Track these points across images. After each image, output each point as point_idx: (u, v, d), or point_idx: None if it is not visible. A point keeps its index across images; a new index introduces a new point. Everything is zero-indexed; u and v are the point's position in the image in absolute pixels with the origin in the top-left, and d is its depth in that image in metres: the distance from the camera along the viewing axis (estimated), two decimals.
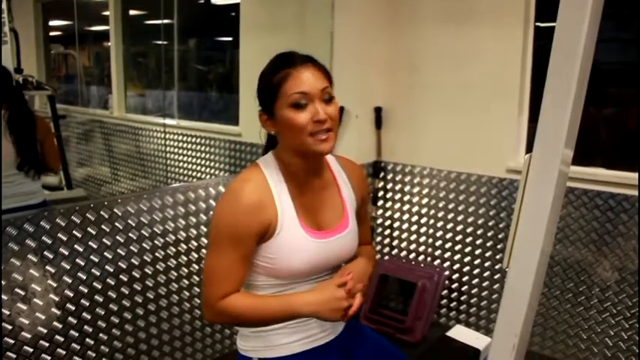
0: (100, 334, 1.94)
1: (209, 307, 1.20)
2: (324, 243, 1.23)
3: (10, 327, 1.69)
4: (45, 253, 1.75)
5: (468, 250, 2.65)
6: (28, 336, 1.73)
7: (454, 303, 2.73)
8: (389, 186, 2.89)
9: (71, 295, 1.84)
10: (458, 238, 2.68)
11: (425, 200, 2.77)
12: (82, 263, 1.85)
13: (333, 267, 1.31)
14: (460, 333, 2.39)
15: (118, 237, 1.95)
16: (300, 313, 1.17)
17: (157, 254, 2.09)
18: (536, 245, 0.90)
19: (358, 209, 1.37)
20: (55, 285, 1.79)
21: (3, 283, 1.66)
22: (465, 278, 2.68)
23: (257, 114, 1.25)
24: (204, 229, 2.23)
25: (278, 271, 1.20)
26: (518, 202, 0.92)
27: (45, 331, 1.78)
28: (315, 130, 1.15)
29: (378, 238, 2.97)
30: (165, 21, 3.67)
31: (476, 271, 2.64)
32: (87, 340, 1.89)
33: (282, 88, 1.16)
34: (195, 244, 2.21)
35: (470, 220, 2.62)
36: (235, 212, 1.15)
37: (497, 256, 2.57)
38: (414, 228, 2.83)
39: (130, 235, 1.99)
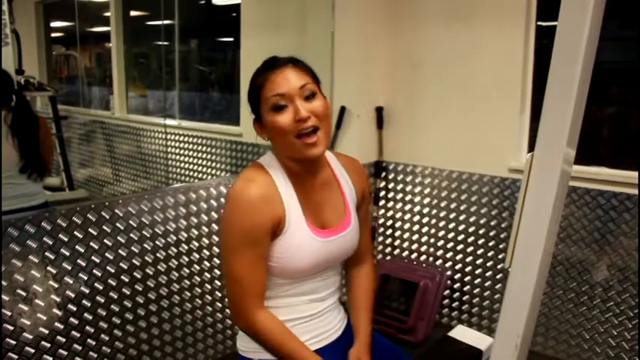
0: (102, 335, 1.93)
1: (243, 314, 1.19)
2: (328, 242, 1.23)
3: (11, 328, 1.68)
4: (46, 254, 1.75)
5: (470, 250, 2.65)
6: (30, 337, 1.73)
7: (456, 303, 2.73)
8: (390, 186, 2.88)
9: (72, 296, 1.84)
10: (460, 237, 2.67)
11: (427, 200, 2.76)
12: (84, 264, 1.85)
13: (336, 264, 1.31)
14: (462, 333, 2.38)
15: (119, 238, 1.95)
16: None
17: (158, 255, 2.09)
18: (538, 245, 0.89)
19: (359, 206, 1.37)
20: (56, 286, 1.79)
21: (4, 284, 1.65)
22: (467, 278, 2.67)
23: None
24: (206, 230, 2.23)
25: (282, 270, 1.20)
26: (520, 201, 0.91)
27: (46, 332, 1.77)
28: (299, 130, 1.14)
29: (380, 238, 2.96)
30: (167, 22, 3.67)
31: (478, 271, 2.63)
32: (88, 340, 1.89)
33: (262, 93, 1.18)
34: (197, 244, 2.21)
35: (472, 219, 2.62)
36: (246, 212, 1.14)
37: (500, 256, 2.56)
38: (415, 228, 2.83)
39: (132, 235, 1.99)
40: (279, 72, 1.17)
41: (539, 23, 2.38)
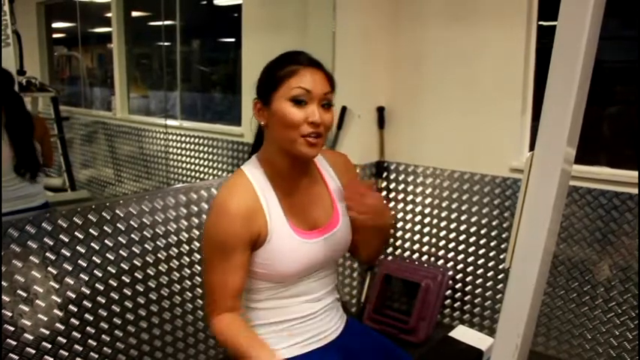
0: (103, 336, 1.93)
1: (209, 323, 1.21)
2: (316, 243, 1.22)
3: (12, 329, 1.69)
4: (47, 254, 1.75)
5: (471, 250, 2.64)
6: (31, 337, 1.73)
7: (458, 303, 2.72)
8: (392, 186, 2.88)
9: (73, 296, 1.84)
10: (461, 238, 2.66)
11: (428, 200, 2.76)
12: (84, 264, 1.85)
13: (329, 264, 1.30)
14: (463, 333, 2.37)
15: (120, 238, 1.95)
16: None
17: (159, 255, 2.09)
18: (538, 244, 0.89)
19: None
20: (57, 286, 1.79)
21: (5, 284, 1.66)
22: (469, 278, 2.66)
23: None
24: None
25: (273, 275, 1.20)
26: (520, 200, 0.91)
27: (47, 332, 1.77)
28: (306, 131, 1.14)
29: None
30: (168, 22, 3.68)
31: (480, 271, 2.63)
32: (89, 341, 1.89)
33: (286, 80, 1.16)
34: (198, 245, 2.21)
35: (473, 219, 2.61)
36: (224, 224, 1.15)
37: (501, 256, 2.55)
38: (417, 228, 2.82)
39: (132, 236, 1.99)
40: (314, 71, 1.18)
41: (541, 23, 2.37)
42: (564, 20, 0.83)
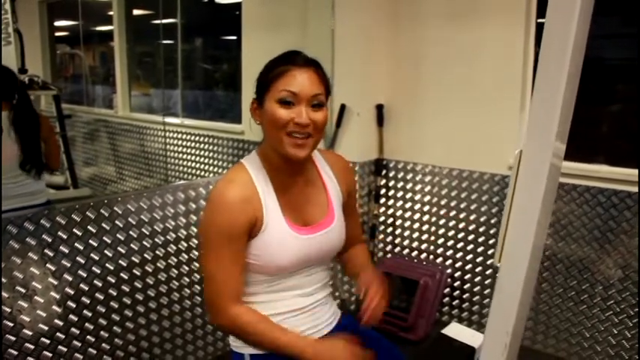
0: (101, 332, 1.94)
1: (219, 311, 1.19)
2: (310, 239, 1.24)
3: (11, 324, 1.70)
4: (45, 251, 1.76)
5: (470, 247, 2.64)
6: (29, 333, 1.74)
7: (457, 301, 2.72)
8: (391, 184, 2.88)
9: (72, 292, 1.85)
10: (460, 235, 2.66)
11: (427, 198, 2.76)
12: (83, 261, 1.86)
13: (321, 261, 1.31)
14: (456, 331, 2.37)
15: (118, 235, 1.96)
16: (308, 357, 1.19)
17: (157, 252, 2.10)
18: (527, 240, 0.89)
19: (345, 202, 1.37)
20: (55, 283, 1.80)
21: (4, 281, 1.67)
22: (468, 276, 2.66)
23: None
24: None
25: (264, 267, 1.21)
26: (510, 196, 0.91)
27: (46, 328, 1.79)
28: (293, 130, 1.15)
29: (381, 236, 2.96)
30: (169, 20, 3.69)
31: (478, 269, 2.62)
32: (88, 337, 1.90)
33: (276, 81, 1.18)
34: (196, 241, 2.22)
35: (472, 217, 2.61)
36: (223, 211, 1.16)
37: None
38: (416, 226, 2.82)
39: (131, 233, 2.00)
40: (303, 70, 1.18)
41: (540, 20, 2.36)
42: (553, 14, 0.83)
